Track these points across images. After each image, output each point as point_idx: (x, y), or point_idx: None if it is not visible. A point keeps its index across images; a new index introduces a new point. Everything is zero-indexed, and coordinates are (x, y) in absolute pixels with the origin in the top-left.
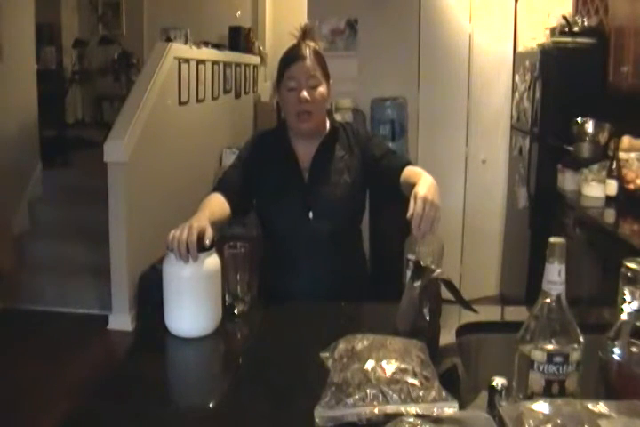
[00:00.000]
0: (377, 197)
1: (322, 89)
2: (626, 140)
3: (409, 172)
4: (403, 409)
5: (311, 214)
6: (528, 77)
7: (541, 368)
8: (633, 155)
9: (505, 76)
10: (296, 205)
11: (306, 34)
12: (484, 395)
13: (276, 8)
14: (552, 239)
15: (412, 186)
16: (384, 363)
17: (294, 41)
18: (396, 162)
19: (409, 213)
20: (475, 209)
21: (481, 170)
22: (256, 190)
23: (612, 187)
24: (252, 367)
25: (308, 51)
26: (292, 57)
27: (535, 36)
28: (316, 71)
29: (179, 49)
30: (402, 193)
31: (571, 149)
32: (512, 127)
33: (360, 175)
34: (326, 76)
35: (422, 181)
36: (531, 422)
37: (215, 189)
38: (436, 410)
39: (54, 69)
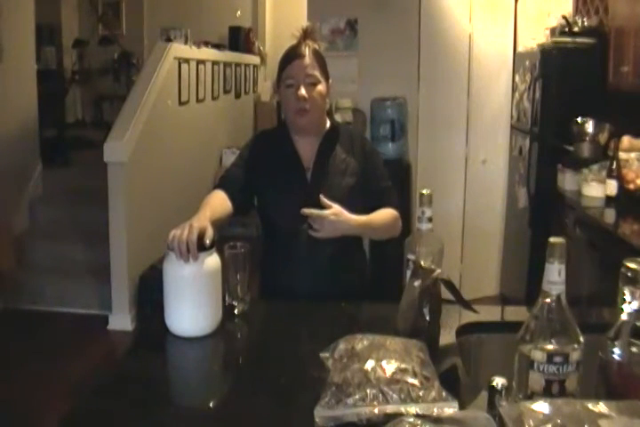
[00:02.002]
0: None
1: (320, 87)
2: (626, 141)
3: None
4: (403, 409)
5: None
6: (528, 77)
7: (541, 368)
8: (633, 155)
9: (505, 76)
10: (298, 204)
11: (307, 34)
12: (483, 395)
13: (276, 8)
14: (552, 239)
15: None
16: (384, 363)
17: (295, 41)
18: (383, 203)
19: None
20: (475, 209)
21: (481, 170)
22: (258, 189)
23: (611, 187)
24: (252, 367)
25: (307, 50)
26: (291, 55)
27: (535, 36)
28: (315, 70)
29: (179, 49)
30: None
31: (571, 149)
32: (512, 127)
33: (360, 179)
34: (325, 76)
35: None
36: (531, 422)
37: (217, 187)
38: (436, 410)
39: (54, 69)
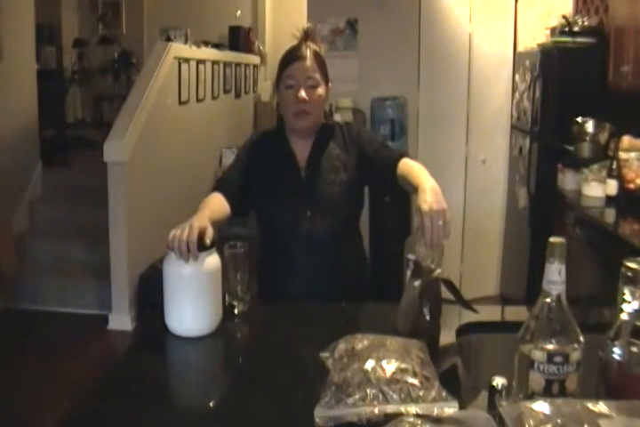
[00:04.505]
0: (377, 196)
1: (320, 90)
2: (626, 140)
3: (405, 167)
4: (403, 409)
5: (309, 212)
6: (528, 77)
7: (541, 368)
8: (633, 155)
9: (505, 76)
10: (294, 203)
11: (308, 35)
12: (483, 395)
13: (275, 8)
14: (552, 239)
15: (411, 185)
16: (384, 363)
17: (295, 41)
18: (391, 156)
19: (419, 231)
20: (475, 209)
21: (481, 170)
22: (255, 190)
23: (612, 187)
24: (252, 367)
25: (308, 51)
26: (292, 56)
27: (535, 36)
28: (315, 72)
29: (179, 49)
30: (399, 186)
31: (571, 148)
32: (512, 127)
33: (356, 173)
34: (325, 79)
35: (423, 187)
36: (531, 422)
37: (215, 189)
38: (435, 410)
39: (54, 69)
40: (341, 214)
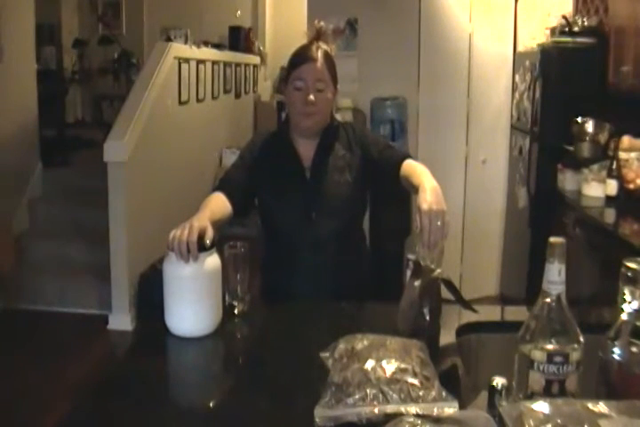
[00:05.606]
0: (378, 196)
1: (328, 93)
2: (626, 140)
3: (408, 167)
4: (403, 409)
5: (313, 213)
6: (528, 77)
7: (541, 368)
8: (633, 155)
9: (505, 76)
10: (298, 203)
11: (320, 35)
12: (483, 395)
13: (276, 8)
14: (552, 239)
15: (413, 186)
16: (384, 363)
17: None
18: (394, 156)
19: (417, 230)
20: (475, 209)
21: (481, 170)
22: (258, 190)
23: (612, 187)
24: (252, 367)
25: (319, 53)
26: (303, 57)
27: (535, 36)
28: (325, 75)
29: (179, 49)
30: (402, 187)
31: (571, 148)
32: (512, 127)
33: (361, 174)
34: (334, 81)
35: (424, 187)
36: (531, 422)
37: (217, 189)
38: (435, 410)
39: (54, 69)
40: (345, 215)
